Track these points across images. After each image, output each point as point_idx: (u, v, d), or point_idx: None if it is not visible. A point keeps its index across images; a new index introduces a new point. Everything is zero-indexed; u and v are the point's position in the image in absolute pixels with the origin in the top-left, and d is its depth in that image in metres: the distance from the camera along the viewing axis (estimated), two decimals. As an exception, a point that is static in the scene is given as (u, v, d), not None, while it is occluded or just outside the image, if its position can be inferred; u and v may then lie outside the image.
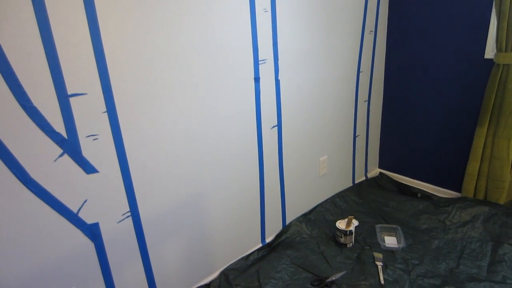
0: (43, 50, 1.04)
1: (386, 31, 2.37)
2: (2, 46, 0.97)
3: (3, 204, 1.06)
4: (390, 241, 1.95)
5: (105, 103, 1.21)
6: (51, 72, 1.07)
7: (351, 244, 1.93)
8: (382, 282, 1.65)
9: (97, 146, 1.22)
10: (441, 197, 2.37)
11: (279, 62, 1.73)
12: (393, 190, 2.54)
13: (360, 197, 2.43)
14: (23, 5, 0.99)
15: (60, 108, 1.11)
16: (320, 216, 2.21)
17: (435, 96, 2.26)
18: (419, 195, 2.42)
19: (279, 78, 1.76)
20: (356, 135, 2.43)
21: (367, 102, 2.42)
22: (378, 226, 2.05)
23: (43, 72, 1.06)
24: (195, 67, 1.42)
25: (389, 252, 1.85)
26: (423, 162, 2.46)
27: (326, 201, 2.34)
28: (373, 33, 2.26)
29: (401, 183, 2.58)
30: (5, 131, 1.02)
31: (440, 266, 1.74)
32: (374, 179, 2.66)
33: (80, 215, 1.23)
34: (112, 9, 1.15)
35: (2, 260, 1.09)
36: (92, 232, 1.27)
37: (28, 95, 1.04)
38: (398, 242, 1.92)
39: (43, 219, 1.15)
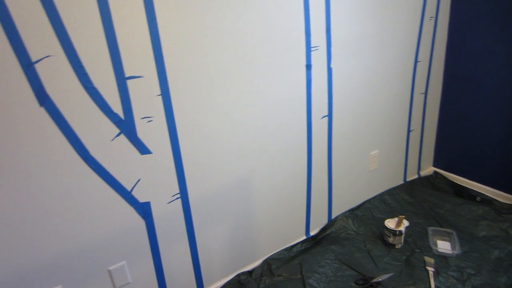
0: (104, 33, 1.11)
1: (448, 18, 2.24)
2: (67, 29, 1.05)
3: (66, 177, 1.15)
4: (444, 246, 1.85)
5: (160, 86, 1.26)
6: (110, 54, 1.14)
7: (400, 245, 1.87)
8: (433, 288, 1.59)
9: (151, 128, 1.28)
10: (504, 203, 2.21)
11: (331, 49, 1.71)
12: (448, 191, 2.42)
13: (411, 196, 2.34)
14: (89, -11, 1.06)
15: (118, 90, 1.18)
16: (368, 213, 2.16)
17: (500, 90, 2.10)
18: (478, 198, 2.27)
19: (331, 66, 1.73)
20: (410, 129, 2.33)
21: (423, 95, 2.31)
22: (430, 228, 1.96)
23: (103, 54, 1.13)
24: (248, 53, 1.44)
25: (441, 258, 1.77)
26: (484, 163, 2.31)
27: (374, 197, 2.28)
28: (433, 19, 2.15)
29: (458, 184, 2.45)
30: (69, 110, 1.11)
31: (500, 280, 1.61)
32: (427, 178, 2.54)
33: (133, 193, 1.31)
34: (170, -7, 1.20)
35: (64, 228, 1.19)
36: (144, 210, 1.35)
37: (90, 76, 1.12)
38: (453, 247, 1.83)
39: (100, 194, 1.23)
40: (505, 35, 2.01)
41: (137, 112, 1.24)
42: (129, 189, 1.29)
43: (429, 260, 1.75)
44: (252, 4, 1.39)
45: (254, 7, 1.40)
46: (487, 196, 2.29)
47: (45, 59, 1.03)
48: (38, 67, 1.03)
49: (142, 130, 1.27)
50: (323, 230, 2.02)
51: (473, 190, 2.37)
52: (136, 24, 1.16)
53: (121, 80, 1.18)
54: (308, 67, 1.65)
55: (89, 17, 1.07)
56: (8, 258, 1.12)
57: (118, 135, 1.22)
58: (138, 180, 1.31)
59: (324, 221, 2.06)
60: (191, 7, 1.26)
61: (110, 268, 1.33)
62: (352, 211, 2.15)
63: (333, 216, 2.09)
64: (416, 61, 2.16)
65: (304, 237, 1.98)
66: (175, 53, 1.27)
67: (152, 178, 1.34)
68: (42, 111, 1.06)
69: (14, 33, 0.97)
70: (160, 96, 1.27)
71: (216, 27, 1.33)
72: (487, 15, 2.06)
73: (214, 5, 1.30)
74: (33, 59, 1.02)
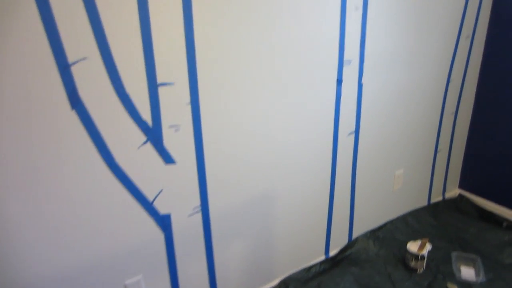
0: (141, 37, 1.11)
1: (485, 38, 2.21)
2: (105, 31, 1.05)
3: (89, 184, 1.15)
4: (467, 273, 1.82)
5: (190, 94, 1.26)
6: (145, 59, 1.14)
7: (422, 270, 1.84)
8: (459, 317, 1.55)
9: (177, 137, 1.28)
10: (531, 230, 2.17)
11: (364, 64, 1.69)
12: (473, 215, 2.38)
13: (435, 219, 2.30)
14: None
15: (149, 96, 1.18)
16: (389, 235, 2.13)
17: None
18: (504, 224, 2.23)
19: (362, 82, 1.72)
20: (438, 150, 2.30)
21: (453, 115, 2.28)
22: (454, 253, 1.93)
23: (138, 59, 1.12)
24: (281, 66, 1.43)
25: (465, 285, 1.73)
26: (511, 187, 2.27)
27: (397, 218, 2.25)
28: (469, 38, 2.12)
29: (484, 208, 2.40)
30: (99, 115, 1.11)
31: (527, 310, 1.59)
32: (452, 200, 2.50)
33: (155, 204, 1.30)
34: (207, 2, 1.20)
35: (81, 235, 1.18)
36: (164, 222, 1.34)
37: (123, 81, 1.12)
38: (477, 274, 1.79)
39: (121, 204, 1.23)
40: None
41: (166, 120, 1.23)
42: (151, 199, 1.28)
43: (452, 286, 1.72)
44: (287, 16, 1.38)
45: (289, 19, 1.39)
46: (514, 222, 2.24)
47: (81, 61, 1.03)
48: (74, 69, 1.03)
49: (169, 139, 1.26)
50: (342, 250, 1.99)
51: (500, 215, 2.32)
52: (173, 31, 1.16)
53: (153, 86, 1.18)
54: (339, 82, 1.64)
55: (128, 21, 1.07)
56: (21, 269, 1.11)
57: (144, 143, 1.21)
58: (161, 191, 1.30)
59: (344, 241, 2.03)
60: (227, 19, 1.25)
61: (127, 282, 1.31)
62: (373, 232, 2.12)
63: (354, 236, 2.06)
64: (448, 81, 2.13)
65: (323, 257, 1.95)
66: (208, 62, 1.26)
67: (174, 189, 1.33)
68: (73, 114, 1.06)
69: (55, 33, 0.98)
70: (189, 105, 1.27)
71: (249, 40, 1.32)
72: (526, 36, 2.03)
73: (248, 18, 1.30)
74: (70, 61, 1.02)
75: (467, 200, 2.48)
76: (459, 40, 2.07)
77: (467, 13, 2.03)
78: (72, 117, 1.06)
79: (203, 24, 1.21)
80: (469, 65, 2.20)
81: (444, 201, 2.49)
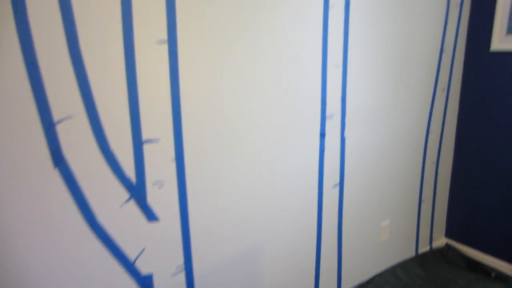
0: (127, 95, 1.13)
1: (460, 90, 2.33)
2: (92, 89, 1.07)
3: (67, 245, 1.11)
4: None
5: (175, 151, 1.26)
6: (131, 117, 1.15)
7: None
8: None
9: (161, 194, 1.26)
10: (521, 280, 2.16)
11: (346, 118, 1.75)
12: (461, 265, 2.36)
13: (423, 269, 2.27)
14: (117, 58, 1.09)
15: (134, 154, 1.18)
16: (379, 288, 2.08)
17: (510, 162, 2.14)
18: (493, 274, 2.22)
19: (345, 135, 1.76)
20: (422, 199, 2.33)
21: (435, 165, 2.34)
22: (446, 307, 1.89)
23: (123, 117, 1.14)
24: (265, 122, 1.47)
25: None
26: (498, 235, 2.28)
27: (386, 271, 2.22)
28: (445, 91, 2.23)
29: (471, 258, 2.39)
30: (82, 173, 1.10)
31: None
32: (440, 250, 2.49)
33: (137, 264, 1.25)
34: (194, 59, 1.24)
35: (58, 304, 1.12)
36: (146, 284, 1.28)
37: (108, 138, 1.12)
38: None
39: (102, 265, 1.18)
40: (517, 110, 2.09)
41: (150, 177, 1.23)
42: (132, 259, 1.24)
43: None
44: (270, 73, 1.44)
45: (273, 76, 1.45)
46: (502, 272, 2.23)
47: (66, 120, 1.04)
48: (59, 127, 1.03)
49: (152, 196, 1.25)
50: (331, 306, 1.93)
51: (487, 265, 2.31)
52: (159, 88, 1.19)
53: (138, 143, 1.18)
54: (322, 135, 1.68)
55: (115, 78, 1.10)
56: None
57: (128, 200, 1.20)
58: (143, 250, 1.26)
59: (332, 296, 1.97)
60: (213, 78, 1.30)
61: None
62: (362, 286, 2.07)
63: (342, 290, 2.01)
64: (428, 131, 2.21)
65: (312, 314, 1.89)
66: (193, 119, 1.29)
67: (157, 247, 1.29)
68: (55, 173, 1.05)
69: (42, 92, 0.99)
70: (174, 161, 1.27)
71: (233, 97, 1.36)
72: (496, 87, 2.15)
73: (233, 77, 1.35)
74: (56, 119, 1.02)
75: (455, 250, 2.48)
76: (435, 93, 2.17)
77: (441, 67, 2.16)
78: (54, 175, 1.05)
79: (189, 81, 1.25)
80: (446, 116, 2.30)
81: (432, 251, 2.48)
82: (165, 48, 1.18)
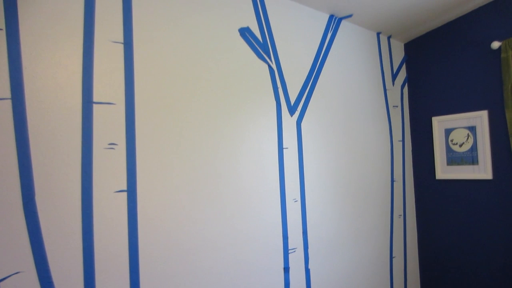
0: (82, 248, 1.14)
1: (415, 215, 2.48)
2: (45, 244, 1.07)
3: None
4: None
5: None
6: (84, 271, 1.14)
7: None
8: None
9: None
10: None
11: (309, 250, 1.78)
12: None
13: None
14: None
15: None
16: None
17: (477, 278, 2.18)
18: None
19: (309, 267, 1.78)
20: (396, 331, 2.25)
21: (403, 291, 2.34)
22: None
23: (76, 271, 1.12)
24: (223, 256, 1.48)
25: None
26: None
27: None
28: (402, 217, 2.37)
29: None
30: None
31: None
32: None
33: None
34: (153, 202, 1.30)
35: None
36: None
37: (58, 292, 1.09)
38: None
39: None
40: (469, 232, 2.21)
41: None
42: None
43: None
44: (231, 208, 1.51)
45: (233, 211, 1.52)
46: None
47: (13, 275, 1.02)
48: (3, 285, 1.00)
49: None
50: None
51: None
52: (117, 237, 1.21)
53: (90, 294, 1.15)
54: (286, 269, 1.69)
55: (70, 234, 1.12)
56: None
57: None
58: None
59: None
60: (172, 216, 1.35)
61: None
62: None
63: None
64: (391, 256, 2.26)
65: None
66: (151, 265, 1.28)
67: None
68: None
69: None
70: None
71: (193, 238, 1.40)
72: (446, 211, 2.31)
73: (193, 217, 1.40)
74: (0, 276, 1.00)
75: None
76: (392, 220, 2.30)
77: (394, 195, 2.32)
78: None
79: (148, 229, 1.28)
80: (407, 240, 2.39)
81: None
82: (124, 196, 1.24)
